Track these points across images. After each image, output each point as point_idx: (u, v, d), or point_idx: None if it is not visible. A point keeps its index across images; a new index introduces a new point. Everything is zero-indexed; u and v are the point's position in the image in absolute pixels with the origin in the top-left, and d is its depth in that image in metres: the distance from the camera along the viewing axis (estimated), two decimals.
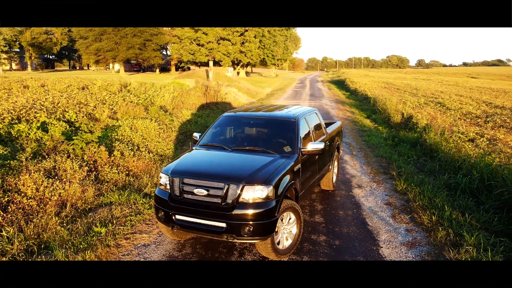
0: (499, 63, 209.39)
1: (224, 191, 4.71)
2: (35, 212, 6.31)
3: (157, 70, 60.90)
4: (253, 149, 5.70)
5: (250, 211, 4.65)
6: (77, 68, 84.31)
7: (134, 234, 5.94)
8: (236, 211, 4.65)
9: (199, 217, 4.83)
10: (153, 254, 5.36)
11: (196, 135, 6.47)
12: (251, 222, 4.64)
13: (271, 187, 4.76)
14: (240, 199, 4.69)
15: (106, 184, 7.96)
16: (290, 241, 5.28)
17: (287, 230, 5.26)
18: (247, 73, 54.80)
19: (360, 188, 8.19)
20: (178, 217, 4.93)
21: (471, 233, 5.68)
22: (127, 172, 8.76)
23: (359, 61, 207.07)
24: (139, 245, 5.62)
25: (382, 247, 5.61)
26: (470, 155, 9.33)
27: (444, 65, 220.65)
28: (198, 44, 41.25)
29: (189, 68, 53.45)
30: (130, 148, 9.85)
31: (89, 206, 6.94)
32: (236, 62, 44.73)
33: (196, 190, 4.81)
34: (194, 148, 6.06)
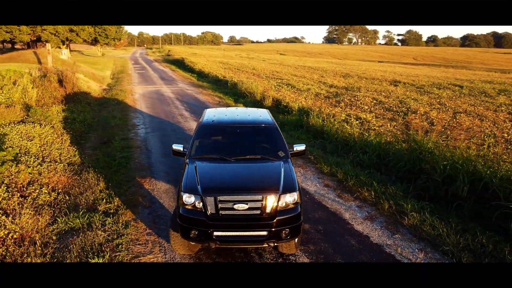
0: (295, 40, 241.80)
1: (264, 203, 5.12)
2: (2, 257, 5.34)
3: None
4: (254, 157, 6.10)
5: (287, 217, 5.21)
6: None
7: (138, 258, 5.72)
8: (276, 219, 5.15)
9: (240, 230, 5.13)
10: None
11: (178, 147, 6.38)
12: (288, 226, 5.22)
13: (298, 192, 5.40)
14: (278, 208, 5.19)
15: (46, 208, 7.00)
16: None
17: None
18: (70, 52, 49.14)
19: None
20: (216, 233, 5.09)
21: (405, 201, 7.49)
22: (53, 190, 7.78)
23: (176, 37, 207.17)
24: None
25: (353, 224, 6.89)
26: (355, 135, 11.55)
27: (252, 42, 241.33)
28: None
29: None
30: (35, 161, 8.61)
31: (54, 237, 6.14)
32: (66, 42, 39.69)
33: (236, 206, 5.06)
34: (188, 161, 6.03)
